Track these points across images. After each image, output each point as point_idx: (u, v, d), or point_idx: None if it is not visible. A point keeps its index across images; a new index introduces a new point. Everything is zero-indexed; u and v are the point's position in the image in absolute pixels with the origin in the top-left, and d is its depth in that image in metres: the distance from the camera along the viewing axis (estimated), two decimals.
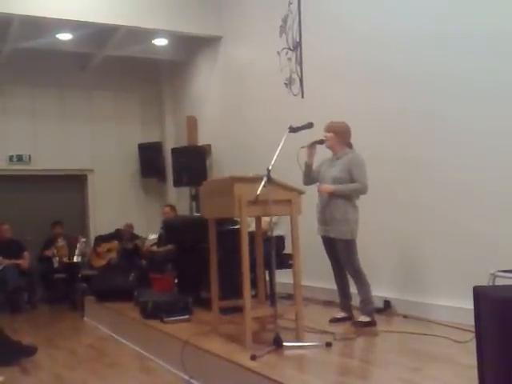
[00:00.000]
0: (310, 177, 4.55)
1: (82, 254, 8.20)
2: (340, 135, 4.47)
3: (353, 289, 4.59)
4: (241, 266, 3.73)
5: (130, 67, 9.36)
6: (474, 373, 2.33)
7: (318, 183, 4.51)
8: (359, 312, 4.43)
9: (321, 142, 4.46)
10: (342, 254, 4.41)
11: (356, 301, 4.57)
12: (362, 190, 4.36)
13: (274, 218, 4.84)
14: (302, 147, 4.37)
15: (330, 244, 4.49)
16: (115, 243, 8.10)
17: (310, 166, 4.52)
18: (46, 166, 8.98)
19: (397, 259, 5.04)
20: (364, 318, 4.34)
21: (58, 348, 5.25)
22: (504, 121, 4.16)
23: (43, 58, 8.65)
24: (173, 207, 7.70)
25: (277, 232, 5.16)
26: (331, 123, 4.50)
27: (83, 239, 8.30)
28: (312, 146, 4.45)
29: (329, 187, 4.34)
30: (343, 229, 4.34)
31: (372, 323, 4.34)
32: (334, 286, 4.69)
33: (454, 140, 4.52)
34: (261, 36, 7.11)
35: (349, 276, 4.55)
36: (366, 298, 4.38)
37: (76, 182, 9.50)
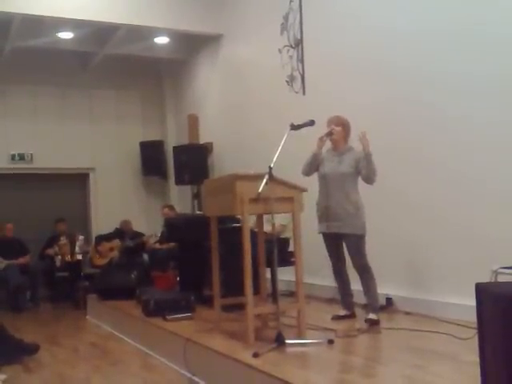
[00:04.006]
0: (313, 168, 4.50)
1: (83, 252, 8.21)
2: (347, 130, 4.49)
3: (353, 286, 4.59)
4: (243, 264, 3.73)
5: (131, 66, 9.36)
6: (477, 369, 2.33)
7: (320, 170, 4.50)
8: (367, 310, 4.41)
9: (330, 134, 4.44)
10: (352, 249, 4.38)
11: (357, 298, 4.58)
12: (375, 177, 4.31)
13: (285, 220, 4.88)
14: (321, 138, 4.39)
15: (337, 241, 4.46)
16: (117, 242, 8.11)
17: (318, 156, 4.47)
18: (47, 165, 8.99)
19: (398, 256, 5.03)
20: (373, 316, 4.32)
21: (60, 346, 5.26)
22: (505, 118, 4.15)
23: (44, 56, 8.66)
24: (171, 207, 7.71)
25: (287, 234, 5.18)
26: (338, 117, 4.48)
27: (81, 236, 8.31)
28: (325, 137, 4.42)
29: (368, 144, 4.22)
30: (357, 223, 4.33)
31: (379, 321, 4.33)
32: (336, 284, 4.68)
33: (455, 137, 4.51)
34: (262, 33, 7.11)
35: (349, 273, 4.55)
36: (374, 296, 4.38)
37: (77, 180, 9.51)
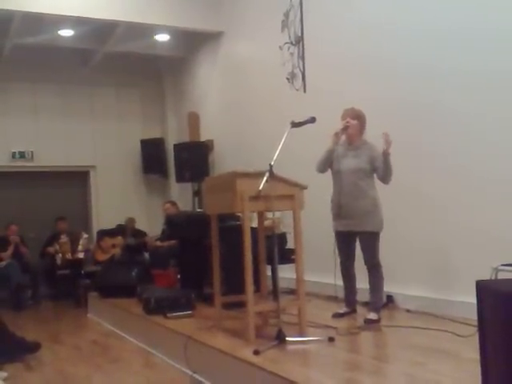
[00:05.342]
0: (327, 164, 4.41)
1: (85, 250, 8.22)
2: (362, 123, 4.40)
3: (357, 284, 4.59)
4: (243, 262, 3.73)
5: (132, 63, 9.36)
6: (478, 367, 2.33)
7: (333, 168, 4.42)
8: (368, 308, 4.39)
9: (346, 128, 4.35)
10: (366, 246, 4.31)
11: (359, 295, 4.57)
12: (391, 177, 4.25)
13: (277, 214, 4.82)
14: (337, 133, 4.31)
15: (351, 238, 4.39)
16: (120, 239, 8.12)
17: (333, 152, 4.37)
18: (48, 163, 8.99)
19: (398, 253, 5.02)
20: (373, 316, 4.29)
21: (61, 344, 5.27)
22: (504, 112, 4.14)
23: (45, 54, 8.66)
24: (174, 203, 7.70)
25: (280, 229, 5.15)
26: (354, 109, 4.40)
27: (86, 235, 8.32)
28: (341, 132, 4.34)
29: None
30: (375, 220, 4.27)
31: (379, 320, 4.31)
32: (336, 281, 4.66)
33: (455, 133, 4.51)
34: (263, 31, 7.09)
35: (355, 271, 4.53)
36: (379, 294, 4.35)
37: (78, 178, 9.51)
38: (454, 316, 4.21)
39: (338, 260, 4.53)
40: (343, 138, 4.43)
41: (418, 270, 4.89)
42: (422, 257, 4.84)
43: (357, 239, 4.40)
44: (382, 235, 4.34)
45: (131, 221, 8.49)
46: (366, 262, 4.34)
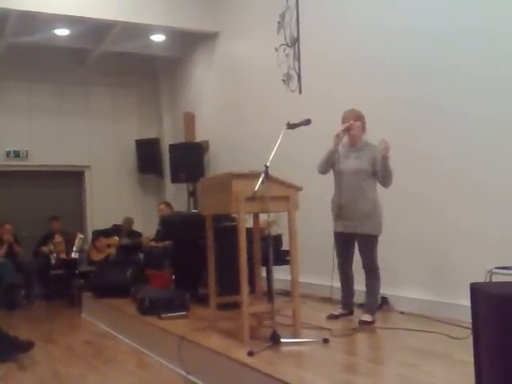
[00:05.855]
0: (329, 165, 4.40)
1: (80, 251, 8.20)
2: (363, 124, 4.40)
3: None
4: (238, 262, 3.73)
5: (128, 63, 9.35)
6: (471, 369, 2.33)
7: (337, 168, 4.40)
8: (363, 310, 4.39)
9: (348, 130, 4.34)
10: (365, 249, 4.31)
11: (357, 298, 4.57)
12: (391, 182, 4.26)
13: (272, 216, 4.80)
14: (338, 134, 4.29)
15: (350, 240, 4.38)
16: (115, 239, 8.10)
17: (334, 153, 4.35)
18: (43, 162, 8.97)
19: (395, 255, 5.03)
20: (368, 318, 4.29)
21: (55, 344, 5.25)
22: (504, 115, 4.16)
23: (40, 53, 8.63)
24: (168, 204, 7.69)
25: (276, 231, 5.14)
26: (354, 111, 4.39)
27: (81, 235, 8.30)
28: (342, 133, 4.33)
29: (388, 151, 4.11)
30: (374, 222, 4.26)
31: (374, 322, 4.31)
32: (331, 283, 4.66)
33: (454, 136, 4.53)
34: (258, 32, 7.10)
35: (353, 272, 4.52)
36: (375, 297, 4.35)
37: (73, 177, 9.49)
38: (450, 319, 4.20)
39: (336, 261, 4.52)
40: (345, 139, 4.43)
41: (414, 272, 4.89)
42: (419, 259, 4.84)
43: (355, 241, 4.39)
44: (379, 237, 4.33)
45: (129, 221, 8.46)
46: (364, 265, 4.34)
